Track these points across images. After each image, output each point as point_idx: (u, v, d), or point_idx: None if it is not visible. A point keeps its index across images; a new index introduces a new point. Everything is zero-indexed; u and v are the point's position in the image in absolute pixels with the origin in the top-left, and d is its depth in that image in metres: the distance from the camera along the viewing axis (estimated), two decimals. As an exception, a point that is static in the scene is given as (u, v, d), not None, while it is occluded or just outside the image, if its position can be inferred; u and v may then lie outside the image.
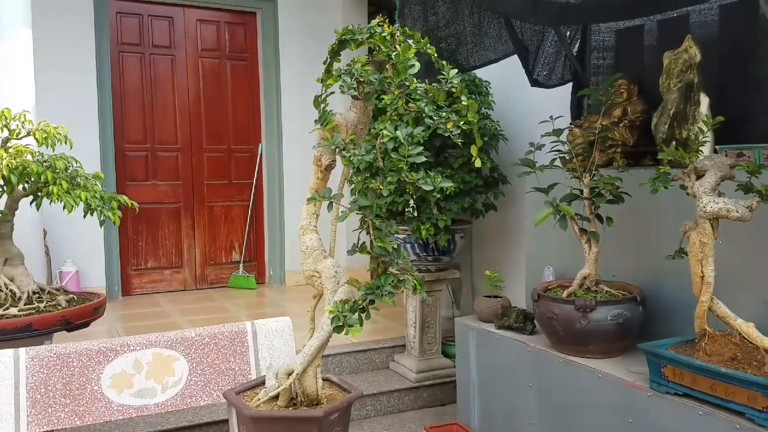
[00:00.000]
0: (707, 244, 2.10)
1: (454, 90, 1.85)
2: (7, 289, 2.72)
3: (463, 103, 1.83)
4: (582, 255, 2.67)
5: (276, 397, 1.83)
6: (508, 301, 3.26)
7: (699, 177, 2.14)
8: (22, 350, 2.55)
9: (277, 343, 2.98)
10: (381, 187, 1.61)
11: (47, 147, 2.80)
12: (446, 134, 1.72)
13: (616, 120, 2.99)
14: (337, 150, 1.74)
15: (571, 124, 3.24)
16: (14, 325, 2.63)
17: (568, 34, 3.40)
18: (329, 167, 1.88)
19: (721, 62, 2.78)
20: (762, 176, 2.12)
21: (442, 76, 1.72)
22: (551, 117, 2.68)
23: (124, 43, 5.60)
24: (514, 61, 3.47)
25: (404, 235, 3.90)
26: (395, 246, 1.65)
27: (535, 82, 3.45)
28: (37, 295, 2.81)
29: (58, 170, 2.70)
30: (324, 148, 1.84)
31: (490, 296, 3.30)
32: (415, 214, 3.88)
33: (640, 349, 2.30)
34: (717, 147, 2.48)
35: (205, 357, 2.90)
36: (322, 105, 1.82)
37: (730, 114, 2.69)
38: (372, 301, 1.65)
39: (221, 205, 6.06)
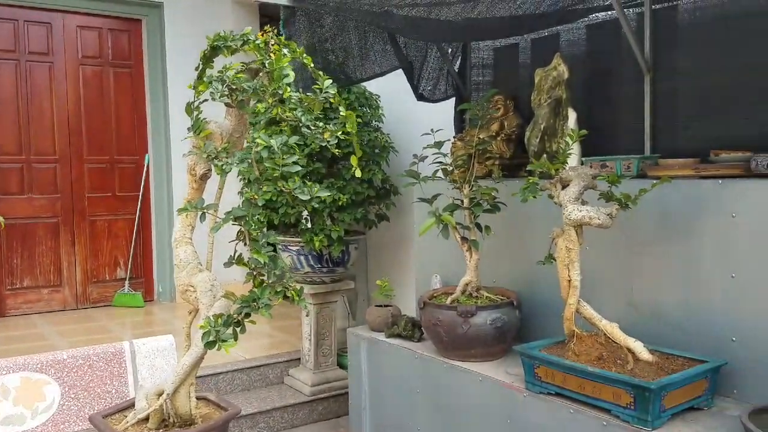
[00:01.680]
0: (573, 250, 2.24)
1: (333, 101, 1.87)
2: None
3: (342, 114, 1.85)
4: (465, 263, 2.77)
5: (147, 419, 1.75)
6: (399, 309, 3.31)
7: (564, 187, 2.27)
8: None
9: (158, 363, 2.87)
10: (256, 196, 1.59)
11: None
12: (323, 144, 1.72)
13: (493, 134, 3.13)
14: (210, 158, 1.70)
15: (454, 137, 3.36)
16: None
17: (450, 51, 3.53)
18: (204, 177, 1.84)
19: (588, 79, 2.98)
20: (621, 185, 2.28)
21: (316, 86, 1.73)
22: (432, 130, 2.76)
23: (-4, 49, 5.22)
24: (403, 75, 3.55)
25: (298, 247, 3.87)
26: (271, 257, 1.63)
27: (420, 97, 3.55)
28: None
29: None
30: (197, 156, 1.80)
31: (381, 305, 3.34)
32: (309, 225, 3.86)
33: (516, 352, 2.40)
34: (583, 159, 2.66)
35: (79, 380, 2.74)
36: (195, 112, 1.78)
37: (596, 128, 2.89)
38: (248, 315, 1.63)
39: (104, 219, 5.76)
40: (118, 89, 5.80)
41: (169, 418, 1.76)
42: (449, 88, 3.56)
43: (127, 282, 5.76)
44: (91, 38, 5.67)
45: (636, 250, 2.43)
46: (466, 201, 2.74)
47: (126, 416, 1.83)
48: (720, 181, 2.19)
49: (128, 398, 2.69)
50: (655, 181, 2.19)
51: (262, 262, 1.62)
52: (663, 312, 2.36)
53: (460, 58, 3.53)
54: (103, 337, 4.62)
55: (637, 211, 2.27)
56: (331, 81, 1.73)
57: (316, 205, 3.68)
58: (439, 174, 2.83)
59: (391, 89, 4.30)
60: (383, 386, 3.10)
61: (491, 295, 2.77)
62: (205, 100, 1.82)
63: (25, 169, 5.40)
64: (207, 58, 1.79)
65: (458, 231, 2.75)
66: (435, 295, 2.92)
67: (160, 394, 1.73)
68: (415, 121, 4.16)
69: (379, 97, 4.18)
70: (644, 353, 2.14)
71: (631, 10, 2.78)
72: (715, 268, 2.19)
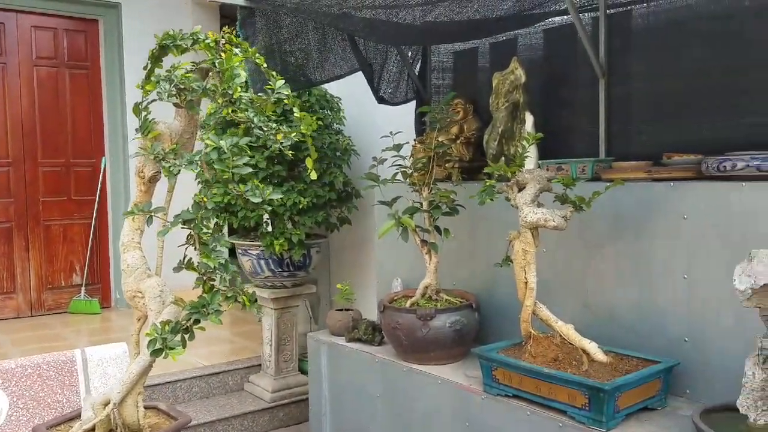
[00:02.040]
0: (529, 252, 2.25)
1: (287, 102, 1.84)
2: None
3: (296, 115, 1.82)
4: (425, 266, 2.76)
5: (93, 429, 1.70)
6: (359, 313, 3.29)
7: (521, 189, 2.28)
8: None
9: (111, 371, 2.79)
10: (205, 199, 1.55)
11: None
12: (275, 145, 1.69)
13: (453, 137, 3.14)
14: (157, 160, 1.66)
15: (414, 140, 3.36)
16: None
17: (410, 54, 3.53)
18: (153, 179, 1.79)
19: (545, 83, 3.01)
20: (576, 188, 2.30)
21: (269, 86, 1.70)
22: (391, 132, 2.75)
23: (-56, 47, 5.05)
24: (364, 77, 3.54)
25: (258, 251, 3.82)
26: (222, 261, 1.59)
27: (380, 100, 3.54)
28: None
29: None
30: (145, 158, 1.75)
31: (342, 309, 3.31)
32: (269, 229, 3.81)
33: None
34: (540, 162, 2.68)
35: (28, 390, 2.64)
36: (144, 113, 1.73)
37: (553, 132, 2.92)
38: (197, 321, 1.58)
39: (59, 223, 5.60)
40: (74, 91, 5.66)
41: (116, 429, 1.71)
42: (410, 91, 3.56)
43: (83, 288, 5.61)
44: (46, 39, 5.52)
45: (591, 252, 2.46)
46: (425, 204, 2.74)
47: (72, 427, 1.76)
48: (672, 184, 2.22)
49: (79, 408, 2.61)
50: (608, 184, 2.22)
51: (212, 267, 1.58)
52: (617, 313, 2.39)
53: (420, 61, 3.54)
54: (58, 345, 4.49)
55: (592, 213, 2.29)
56: (284, 81, 1.70)
57: (276, 209, 3.65)
58: (399, 177, 2.82)
59: (352, 92, 4.28)
60: (343, 391, 3.07)
61: (451, 297, 2.77)
62: (154, 100, 1.77)
63: (-25, 173, 5.23)
64: (156, 58, 1.74)
65: (418, 234, 2.74)
66: (395, 298, 2.91)
67: (106, 404, 1.68)
68: (377, 123, 4.15)
69: (340, 99, 4.16)
70: (599, 354, 2.16)
71: (586, 14, 2.81)
72: (667, 270, 2.23)
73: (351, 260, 4.73)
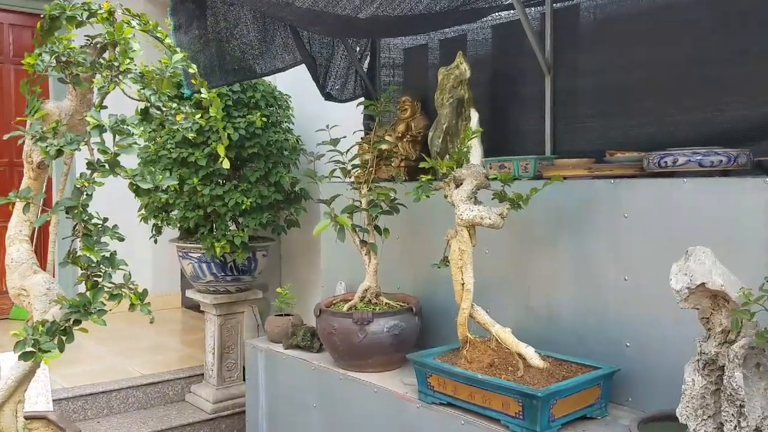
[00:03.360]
0: (466, 251, 2.12)
1: (194, 81, 1.69)
2: None
3: (204, 96, 1.67)
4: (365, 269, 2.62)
5: (-36, 441, 1.51)
6: (300, 319, 3.13)
7: (458, 186, 2.16)
8: None
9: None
10: (86, 184, 1.40)
11: None
12: (174, 127, 1.54)
13: (400, 135, 3.01)
14: (34, 140, 1.49)
15: (361, 138, 3.22)
16: None
17: (358, 49, 3.40)
18: (42, 165, 1.62)
19: (492, 80, 2.90)
20: (517, 186, 2.19)
21: (164, 60, 1.55)
22: (327, 126, 2.61)
23: None
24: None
25: (199, 254, 3.65)
26: (106, 254, 1.43)
27: (327, 96, 3.41)
28: None
29: None
30: (32, 141, 1.58)
31: (281, 315, 3.15)
32: (212, 230, 3.64)
33: (412, 361, 2.26)
34: (484, 160, 2.56)
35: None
36: (31, 90, 1.57)
37: (500, 129, 2.81)
38: (78, 321, 1.42)
39: (2, 225, 5.34)
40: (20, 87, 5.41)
41: (-8, 441, 1.53)
42: (358, 87, 3.43)
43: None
44: (-10, 33, 5.30)
45: (532, 252, 2.34)
46: (364, 202, 2.60)
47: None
48: (612, 181, 2.12)
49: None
50: (545, 181, 2.10)
51: (95, 261, 1.42)
52: (558, 316, 2.27)
53: (369, 57, 3.41)
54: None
55: (533, 212, 2.18)
56: (181, 54, 1.55)
57: (218, 209, 3.48)
58: (338, 173, 2.68)
59: (302, 89, 4.13)
60: (280, 401, 2.91)
61: (391, 301, 2.63)
62: (43, 78, 1.61)
63: None
64: (46, 31, 1.58)
65: (357, 234, 2.60)
66: (334, 302, 2.76)
67: (-21, 414, 1.50)
68: (329, 122, 4.00)
69: (289, 97, 4.01)
70: (535, 359, 2.03)
71: (533, 9, 2.71)
72: (607, 271, 2.12)
73: (302, 264, 4.57)
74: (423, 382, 2.20)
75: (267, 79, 3.81)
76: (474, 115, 2.69)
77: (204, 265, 3.67)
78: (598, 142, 2.50)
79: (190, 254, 3.67)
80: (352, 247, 2.64)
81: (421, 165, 2.25)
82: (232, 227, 3.66)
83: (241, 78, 3.19)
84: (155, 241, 3.74)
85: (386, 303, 2.61)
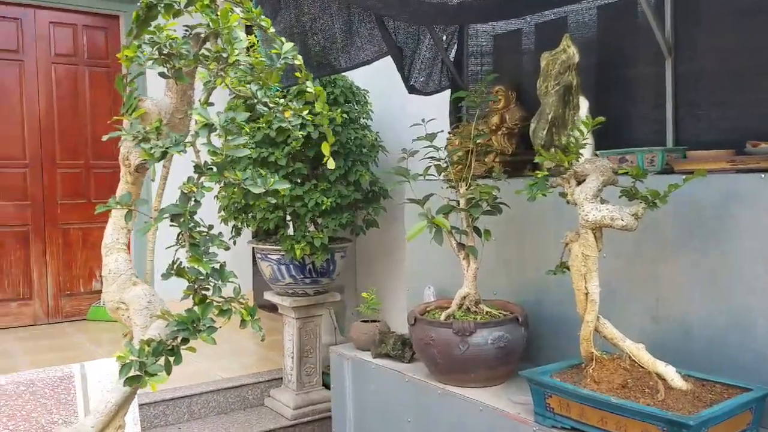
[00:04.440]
0: (590, 257, 1.89)
1: (298, 75, 1.53)
2: None
3: (309, 90, 1.50)
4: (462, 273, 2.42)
5: (64, 469, 1.39)
6: (387, 325, 2.95)
7: (580, 183, 1.93)
8: None
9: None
10: (194, 189, 1.25)
11: None
12: (283, 124, 1.38)
13: (493, 127, 2.79)
14: (137, 142, 1.35)
15: (449, 133, 3.02)
16: None
17: (444, 38, 3.19)
18: (141, 168, 1.49)
19: (600, 65, 2.64)
20: (647, 181, 1.94)
21: (274, 50, 1.39)
22: (423, 120, 2.42)
23: (-39, 45, 4.88)
24: (395, 68, 3.22)
25: (278, 256, 3.52)
26: (216, 266, 1.28)
27: (411, 89, 3.21)
28: None
29: None
30: (131, 143, 1.45)
31: (367, 321, 2.98)
32: (290, 231, 3.51)
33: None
34: (597, 153, 2.31)
35: (19, 409, 2.37)
36: (129, 88, 1.43)
37: (611, 118, 2.54)
38: (186, 340, 1.27)
39: (78, 227, 5.39)
40: (94, 89, 5.46)
41: (92, 469, 1.40)
42: (444, 78, 3.23)
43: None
44: (65, 35, 5.34)
45: (661, 255, 2.08)
46: (462, 202, 2.40)
47: (41, 466, 1.47)
48: (762, 176, 1.84)
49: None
50: (686, 176, 1.85)
51: (204, 273, 1.27)
52: (694, 329, 2.01)
53: (456, 45, 3.20)
54: (73, 355, 4.25)
55: (662, 211, 1.92)
56: (291, 44, 1.39)
57: (297, 209, 3.34)
58: (432, 171, 2.48)
59: (380, 83, 3.96)
60: (370, 413, 2.74)
61: (492, 309, 2.42)
62: (141, 73, 1.47)
63: (-9, 174, 5.05)
64: (142, 21, 1.44)
65: (453, 236, 2.40)
66: (428, 309, 2.57)
67: (78, 440, 1.37)
68: (407, 117, 3.81)
69: (367, 92, 3.84)
70: (677, 380, 1.79)
71: (649, -16, 2.44)
72: (757, 277, 1.84)
73: (379, 266, 4.40)
74: (540, 402, 1.98)
75: (345, 74, 3.65)
76: (584, 104, 2.45)
77: (283, 267, 3.55)
78: (727, 132, 2.22)
79: (269, 256, 3.55)
80: (439, 250, 2.43)
81: (537, 160, 2.03)
82: (311, 228, 3.52)
83: (324, 73, 3.04)
84: (234, 243, 3.64)
85: (487, 312, 2.40)
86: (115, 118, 1.47)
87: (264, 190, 1.28)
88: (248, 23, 1.48)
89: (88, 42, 5.42)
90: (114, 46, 5.51)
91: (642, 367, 1.85)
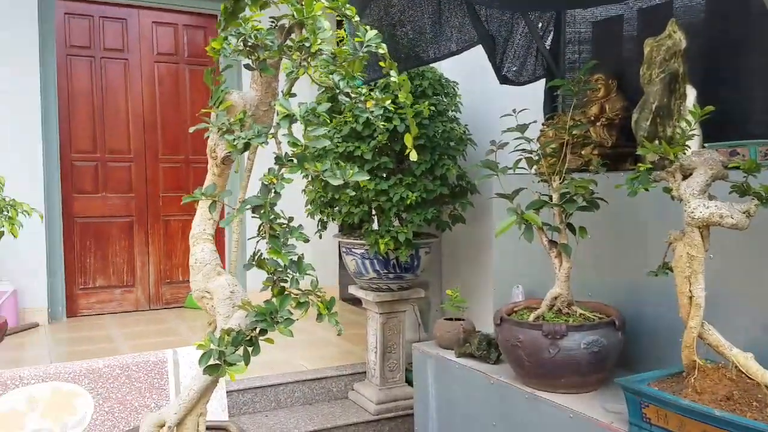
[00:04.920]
0: (696, 258, 1.73)
1: (382, 65, 1.48)
2: None
3: (393, 79, 1.46)
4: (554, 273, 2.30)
5: (148, 453, 1.42)
6: (472, 324, 2.87)
7: (686, 177, 1.77)
8: None
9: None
10: (275, 180, 1.23)
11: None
12: (365, 114, 1.34)
13: (592, 118, 2.64)
14: (221, 133, 1.35)
15: (543, 125, 2.89)
16: None
17: (540, 25, 3.05)
18: (227, 160, 1.50)
19: (709, 52, 2.44)
20: (761, 176, 1.76)
21: (357, 38, 1.35)
22: (514, 110, 2.32)
23: (73, 45, 5.21)
24: (485, 59, 3.12)
25: (362, 250, 3.51)
26: (294, 258, 1.26)
27: (504, 79, 3.10)
28: None
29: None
30: (217, 135, 1.46)
31: (451, 319, 2.91)
32: (375, 226, 3.49)
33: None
34: (705, 145, 2.13)
35: (115, 392, 2.48)
36: (215, 80, 1.44)
37: (720, 109, 2.34)
38: (264, 331, 1.26)
39: (178, 219, 5.64)
40: (194, 87, 5.68)
41: (175, 454, 1.42)
42: (539, 68, 3.09)
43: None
44: (167, 34, 5.58)
45: (779, 260, 1.88)
46: (555, 196, 2.28)
47: (128, 448, 1.51)
48: None
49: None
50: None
51: (283, 265, 1.25)
52: (818, 342, 1.80)
53: (552, 33, 3.05)
54: (171, 341, 4.44)
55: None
56: (375, 32, 1.34)
57: (382, 204, 3.31)
58: (523, 164, 2.38)
59: (468, 74, 3.87)
60: (453, 414, 2.67)
61: (586, 312, 2.28)
62: (229, 66, 1.48)
63: (99, 168, 5.36)
64: (230, 13, 1.45)
65: (545, 233, 2.29)
66: (516, 309, 2.47)
67: (162, 425, 1.40)
68: (497, 110, 3.70)
69: (457, 84, 3.75)
70: (794, 397, 1.61)
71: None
72: None
73: (465, 263, 4.30)
74: (636, 412, 1.84)
75: (434, 65, 3.58)
76: (691, 92, 2.26)
77: (367, 262, 3.54)
78: None
79: (353, 250, 3.55)
80: (529, 247, 2.33)
81: (639, 152, 1.88)
82: (396, 223, 3.48)
83: (411, 65, 2.99)
84: (320, 236, 3.67)
85: (581, 314, 2.27)
86: (203, 110, 1.48)
87: (343, 182, 1.24)
88: (332, 12, 1.45)
89: (188, 41, 5.65)
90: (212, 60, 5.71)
91: (750, 378, 1.68)
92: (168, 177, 5.62)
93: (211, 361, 1.21)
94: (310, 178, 3.56)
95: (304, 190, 3.72)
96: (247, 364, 1.25)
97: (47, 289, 5.00)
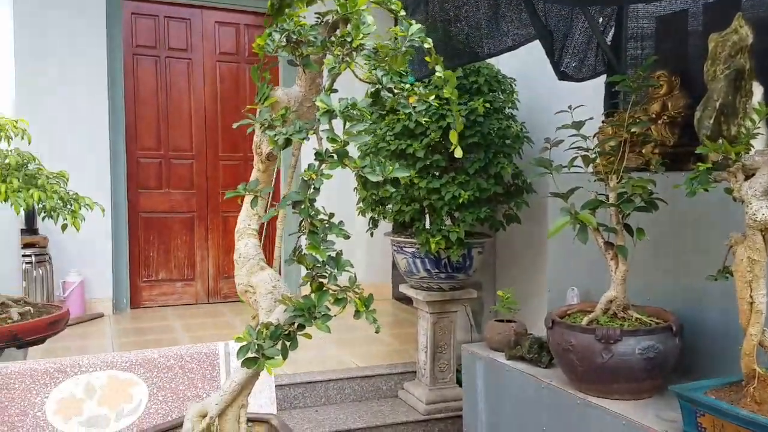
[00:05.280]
0: (758, 262, 1.63)
1: (428, 59, 1.46)
2: (-52, 298, 2.43)
3: (438, 75, 1.43)
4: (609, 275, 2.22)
5: (191, 443, 1.45)
6: (524, 327, 2.81)
7: (748, 177, 1.68)
8: (-46, 368, 2.26)
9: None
10: (314, 176, 1.23)
11: (1, 141, 2.53)
12: (407, 111, 1.32)
13: (654, 116, 2.54)
14: (263, 129, 1.36)
15: (603, 122, 2.80)
16: (-51, 340, 2.34)
17: (600, 20, 2.96)
18: (271, 156, 1.51)
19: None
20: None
21: (401, 33, 1.33)
22: (570, 106, 2.25)
23: (139, 45, 5.40)
24: (543, 53, 3.05)
25: (413, 249, 3.49)
26: (332, 254, 1.26)
27: (562, 75, 3.02)
28: (-16, 306, 2.52)
29: (9, 166, 2.41)
30: (261, 131, 1.47)
31: (502, 320, 2.85)
32: (426, 225, 3.47)
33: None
34: (775, 144, 2.01)
35: (169, 382, 2.54)
36: (261, 77, 1.46)
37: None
38: (302, 326, 1.26)
39: (236, 215, 5.70)
40: (253, 86, 5.78)
41: (217, 445, 1.45)
42: (599, 64, 2.99)
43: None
44: (229, 34, 5.71)
45: None
46: (612, 196, 2.20)
47: (173, 436, 1.55)
48: None
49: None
50: None
51: (321, 261, 1.25)
52: None
53: (613, 28, 2.95)
54: (226, 334, 4.54)
55: None
56: (418, 25, 1.32)
57: (434, 203, 3.29)
58: (578, 163, 2.30)
59: (525, 71, 3.78)
60: (503, 416, 2.62)
61: (642, 316, 2.19)
62: (273, 64, 1.49)
63: (163, 165, 5.54)
64: (276, 10, 1.46)
65: (601, 234, 2.21)
66: (569, 312, 2.40)
67: (204, 416, 1.42)
68: (556, 107, 3.61)
69: (514, 80, 3.67)
70: None
71: None
72: None
73: (519, 264, 4.22)
74: (691, 421, 1.76)
75: (490, 62, 3.52)
76: (757, 90, 2.14)
77: (418, 261, 3.51)
78: None
79: (404, 249, 3.54)
80: (585, 249, 2.26)
81: (699, 150, 1.79)
82: (448, 222, 3.45)
83: (466, 61, 2.95)
84: (371, 234, 3.67)
85: (636, 318, 2.19)
86: (248, 107, 1.50)
87: (382, 178, 1.23)
88: (379, 7, 1.43)
89: (249, 40, 5.76)
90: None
91: (821, 394, 1.57)
92: (227, 174, 5.75)
93: (249, 354, 1.22)
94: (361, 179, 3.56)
95: (355, 188, 3.73)
96: (284, 358, 1.25)
97: (112, 281, 5.21)
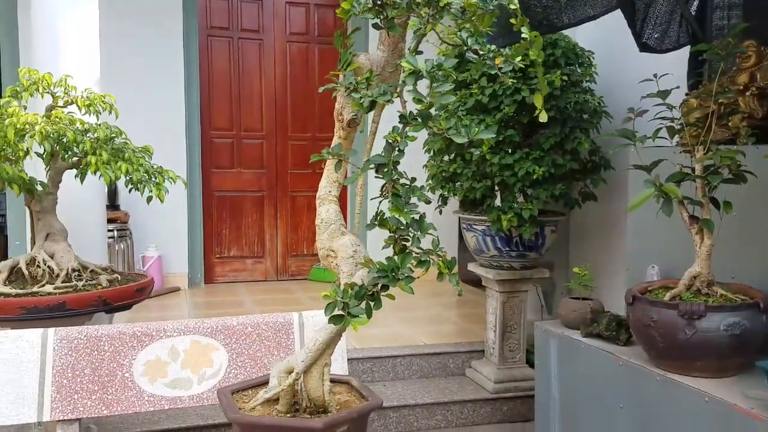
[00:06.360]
0: None
1: (513, 21, 1.43)
2: (45, 265, 2.59)
3: (524, 36, 1.41)
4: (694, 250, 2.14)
5: (277, 399, 1.50)
6: (600, 304, 2.74)
7: None
8: (50, 330, 2.40)
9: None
10: (398, 138, 1.23)
11: (91, 115, 2.65)
12: (492, 72, 1.30)
13: (741, 87, 2.41)
14: (348, 92, 1.38)
15: (686, 94, 2.68)
16: (47, 303, 2.49)
17: (684, -12, 2.83)
18: (353, 122, 1.52)
19: None
20: None
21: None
22: (655, 75, 2.16)
23: (213, 26, 5.54)
24: (622, 25, 2.94)
25: (483, 227, 3.47)
26: (416, 217, 1.26)
27: (644, 47, 2.91)
28: (77, 273, 2.66)
29: (98, 139, 2.53)
30: (344, 97, 1.49)
31: (578, 298, 2.80)
32: (498, 202, 3.43)
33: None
34: None
35: (247, 348, 2.63)
36: (344, 43, 1.47)
37: None
38: (385, 287, 1.28)
39: (304, 194, 5.86)
40: (322, 66, 5.85)
41: (301, 402, 1.49)
42: (682, 35, 2.87)
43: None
44: (299, 14, 5.77)
45: None
46: (698, 168, 2.11)
47: (258, 393, 1.60)
48: None
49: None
50: None
51: (404, 223, 1.26)
52: None
53: (697, -2, 2.82)
54: (293, 309, 4.64)
55: None
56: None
57: (507, 179, 3.24)
58: (663, 134, 2.22)
59: (604, 43, 3.66)
60: (577, 395, 2.58)
61: (728, 293, 2.11)
62: (357, 29, 1.50)
63: (235, 144, 5.69)
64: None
65: (685, 207, 2.13)
66: (650, 288, 2.33)
67: (290, 372, 1.47)
68: (634, 81, 3.49)
69: (592, 53, 3.55)
70: None
71: None
72: None
73: (595, 243, 4.12)
74: (785, 402, 1.68)
75: (568, 33, 3.43)
76: None
77: (488, 239, 3.48)
78: None
79: (474, 226, 3.51)
80: (666, 224, 2.17)
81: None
82: (520, 199, 3.39)
83: (543, 32, 2.88)
84: (440, 212, 3.66)
85: (721, 295, 2.10)
86: (332, 72, 1.52)
87: (468, 140, 1.22)
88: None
89: (319, 20, 5.81)
90: (341, 24, 5.84)
91: None
92: (296, 154, 5.84)
93: (336, 312, 1.24)
94: (432, 153, 3.55)
95: (425, 165, 3.71)
96: (369, 317, 1.28)
97: (188, 257, 5.41)
